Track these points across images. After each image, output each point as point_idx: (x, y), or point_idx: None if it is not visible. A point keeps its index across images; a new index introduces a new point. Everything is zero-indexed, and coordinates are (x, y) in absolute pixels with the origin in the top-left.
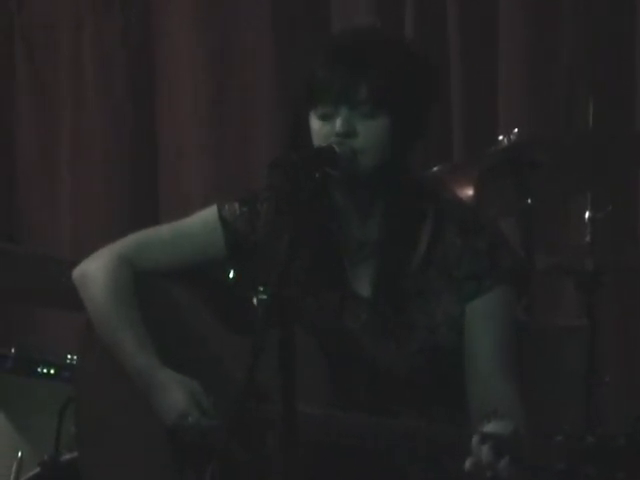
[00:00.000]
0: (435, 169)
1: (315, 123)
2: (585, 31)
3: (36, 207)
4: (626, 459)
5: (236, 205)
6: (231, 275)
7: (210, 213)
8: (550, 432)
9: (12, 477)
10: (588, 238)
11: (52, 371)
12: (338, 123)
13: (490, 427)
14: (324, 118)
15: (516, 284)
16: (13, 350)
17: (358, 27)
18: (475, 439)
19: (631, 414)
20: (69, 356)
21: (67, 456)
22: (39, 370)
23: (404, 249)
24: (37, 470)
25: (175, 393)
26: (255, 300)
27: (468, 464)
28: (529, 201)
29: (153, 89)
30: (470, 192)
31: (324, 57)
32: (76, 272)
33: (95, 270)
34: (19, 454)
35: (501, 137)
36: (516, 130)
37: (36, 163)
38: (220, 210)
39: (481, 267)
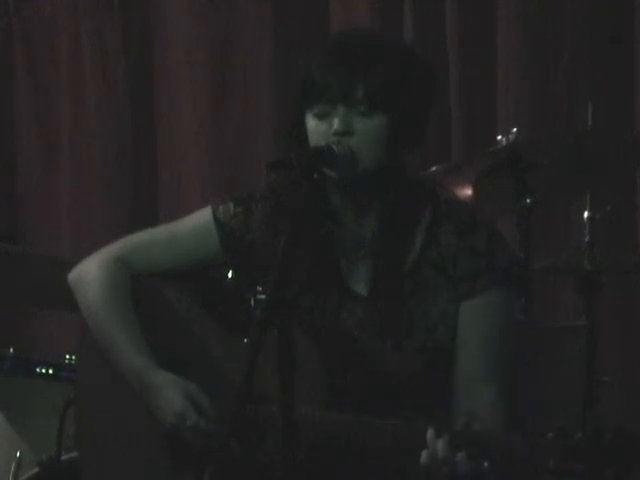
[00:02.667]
0: (433, 169)
1: (311, 122)
2: (585, 31)
3: (36, 207)
4: (614, 455)
5: (231, 205)
6: (229, 275)
7: (205, 214)
8: (540, 430)
9: (11, 477)
10: (587, 238)
11: (50, 371)
12: (335, 121)
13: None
14: (321, 117)
15: (513, 284)
16: (12, 350)
17: (357, 28)
18: (430, 433)
19: (631, 413)
20: (67, 356)
21: (66, 456)
22: (38, 370)
23: (400, 248)
24: (35, 470)
25: (171, 394)
26: (253, 300)
27: (423, 457)
28: (528, 201)
29: (153, 89)
30: (469, 192)
31: (322, 56)
32: (72, 274)
33: (91, 272)
34: (17, 454)
35: (500, 137)
36: (515, 130)
37: (36, 163)
38: (215, 211)
39: (478, 266)
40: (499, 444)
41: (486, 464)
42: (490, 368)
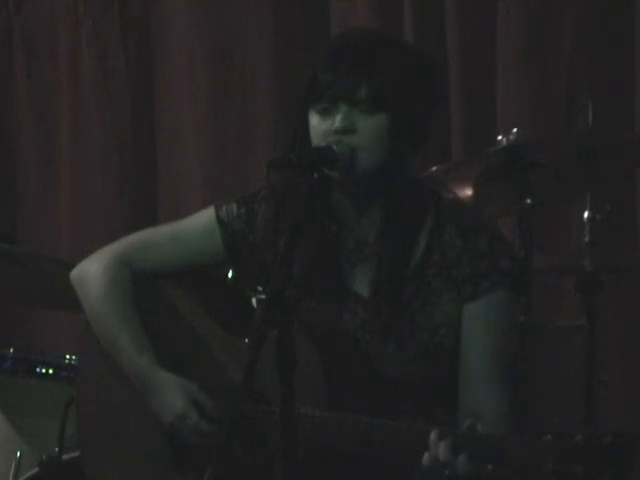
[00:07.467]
0: (434, 169)
1: (314, 119)
2: (585, 31)
3: (36, 207)
4: (613, 458)
5: (234, 206)
6: (230, 275)
7: (208, 214)
8: (539, 431)
9: (11, 477)
10: (587, 238)
11: (51, 371)
12: (337, 119)
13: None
14: (323, 114)
15: (515, 287)
16: (12, 350)
17: (360, 27)
18: (433, 435)
19: (631, 413)
20: (67, 356)
21: (66, 456)
22: (38, 370)
23: (403, 250)
24: (36, 470)
25: (172, 394)
26: (254, 300)
27: (425, 459)
28: (528, 201)
29: (152, 88)
30: (469, 192)
31: (326, 55)
32: (74, 273)
33: (92, 271)
34: (18, 454)
35: (500, 137)
36: (515, 130)
37: (36, 164)
38: (218, 211)
39: (481, 268)
40: (503, 446)
41: (490, 467)
42: (494, 369)
